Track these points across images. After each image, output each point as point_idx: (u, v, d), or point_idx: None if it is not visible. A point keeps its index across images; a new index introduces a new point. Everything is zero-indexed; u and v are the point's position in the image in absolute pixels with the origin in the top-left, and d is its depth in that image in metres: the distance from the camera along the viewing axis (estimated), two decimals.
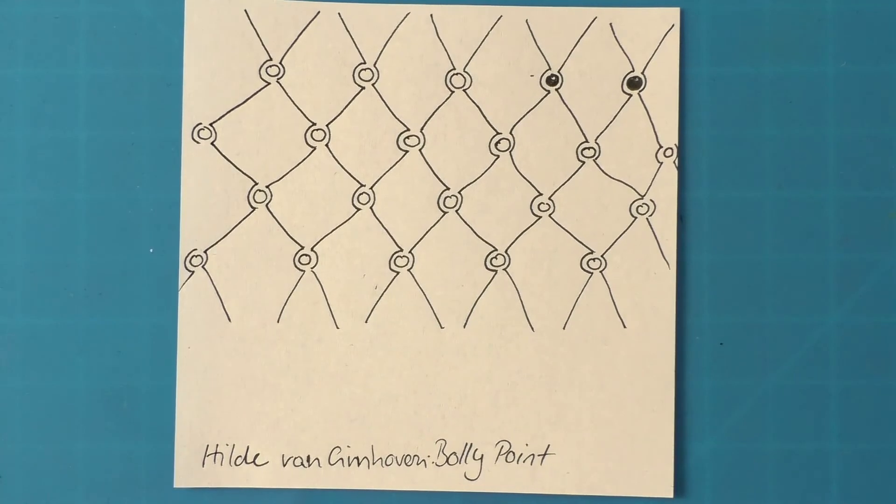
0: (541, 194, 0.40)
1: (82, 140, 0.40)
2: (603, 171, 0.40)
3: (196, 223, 0.40)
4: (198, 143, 0.40)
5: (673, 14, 0.40)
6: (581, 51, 0.40)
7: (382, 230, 0.40)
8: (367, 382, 0.40)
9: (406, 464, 0.40)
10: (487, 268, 0.40)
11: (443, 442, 0.40)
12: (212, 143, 0.40)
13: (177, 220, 0.40)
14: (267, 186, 0.40)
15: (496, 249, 0.40)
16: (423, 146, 0.40)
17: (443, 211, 0.40)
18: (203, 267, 0.40)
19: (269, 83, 0.40)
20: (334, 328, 0.40)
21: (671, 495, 0.39)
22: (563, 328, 0.40)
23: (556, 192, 0.40)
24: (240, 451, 0.39)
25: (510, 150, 0.40)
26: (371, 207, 0.40)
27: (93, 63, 0.40)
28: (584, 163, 0.40)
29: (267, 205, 0.40)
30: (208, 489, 0.40)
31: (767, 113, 0.40)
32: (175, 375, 0.39)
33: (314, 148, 0.40)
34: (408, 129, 0.40)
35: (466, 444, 0.40)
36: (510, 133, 0.40)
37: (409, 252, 0.40)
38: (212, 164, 0.40)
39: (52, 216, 0.40)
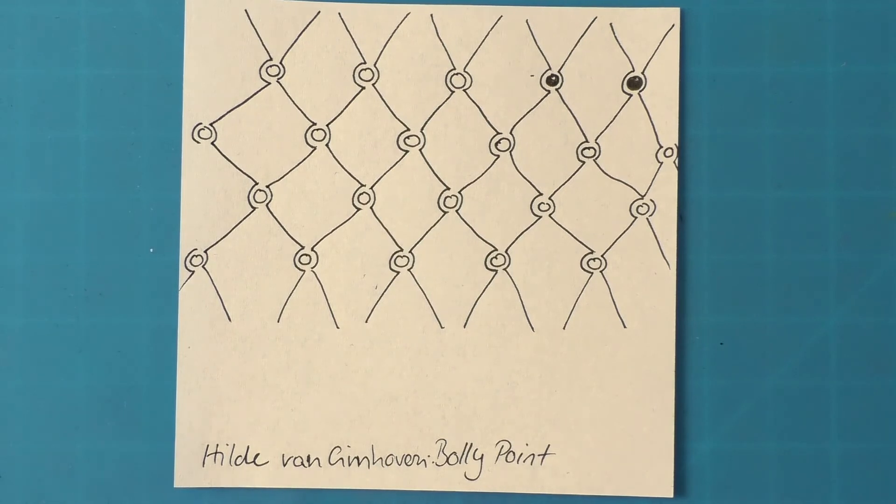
0: (541, 194, 0.40)
1: (82, 140, 0.40)
2: (603, 171, 0.40)
3: (196, 223, 0.40)
4: (198, 142, 0.40)
5: (673, 14, 0.40)
6: (581, 51, 0.40)
7: (382, 230, 0.40)
8: (367, 382, 0.40)
9: (406, 464, 0.40)
10: (487, 268, 0.40)
11: (443, 442, 0.40)
12: (212, 143, 0.40)
13: (177, 220, 0.40)
14: (267, 186, 0.40)
15: (496, 249, 0.40)
16: (423, 146, 0.40)
17: (443, 211, 0.40)
18: (203, 267, 0.40)
19: (269, 83, 0.40)
20: (334, 328, 0.40)
21: (671, 495, 0.39)
22: (563, 328, 0.40)
23: (556, 192, 0.40)
24: (240, 450, 0.39)
25: (510, 150, 0.40)
26: (371, 207, 0.40)
27: (93, 63, 0.40)
28: (584, 163, 0.40)
29: (267, 205, 0.40)
30: (208, 489, 0.40)
31: (767, 113, 0.40)
32: (175, 375, 0.39)
33: (314, 148, 0.40)
34: (408, 129, 0.40)
35: (466, 443, 0.40)
36: (510, 133, 0.40)
37: (410, 252, 0.40)
38: (212, 163, 0.40)
39: (52, 216, 0.40)
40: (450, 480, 0.40)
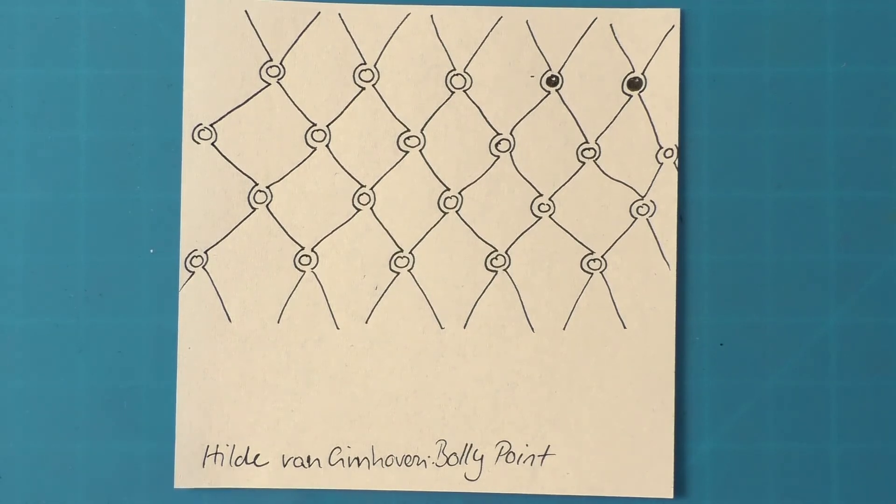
0: (541, 195, 0.40)
1: (82, 140, 0.40)
2: (603, 171, 0.40)
3: (196, 223, 0.40)
4: (198, 143, 0.40)
5: (673, 14, 0.40)
6: (581, 51, 0.40)
7: (383, 231, 0.40)
8: (367, 383, 0.40)
9: (406, 464, 0.40)
10: (487, 268, 0.40)
11: (443, 442, 0.40)
12: (212, 144, 0.40)
13: (177, 221, 0.40)
14: (267, 187, 0.40)
15: (496, 250, 0.40)
16: (423, 147, 0.40)
17: (443, 211, 0.40)
18: (203, 267, 0.40)
19: (269, 84, 0.40)
20: (334, 329, 0.40)
21: (671, 495, 0.39)
22: (563, 328, 0.40)
23: (556, 192, 0.40)
24: (240, 451, 0.39)
25: (510, 150, 0.40)
26: (371, 208, 0.40)
27: (93, 63, 0.40)
28: (584, 163, 0.40)
29: (267, 205, 0.40)
30: (208, 489, 0.40)
31: (767, 113, 0.40)
32: (175, 376, 0.39)
33: (314, 148, 0.40)
34: (408, 130, 0.40)
35: (466, 444, 0.40)
36: (510, 134, 0.40)
37: (410, 252, 0.40)
38: (212, 164, 0.40)
39: (52, 216, 0.40)
40: (450, 481, 0.40)
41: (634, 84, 0.40)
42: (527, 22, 0.40)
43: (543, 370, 0.40)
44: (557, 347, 0.40)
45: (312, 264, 0.40)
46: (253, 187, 0.40)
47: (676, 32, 0.40)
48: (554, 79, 0.40)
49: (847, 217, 0.40)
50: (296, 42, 0.40)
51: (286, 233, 0.40)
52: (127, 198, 0.40)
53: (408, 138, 0.40)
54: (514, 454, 0.40)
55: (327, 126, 0.40)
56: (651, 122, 0.40)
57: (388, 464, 0.40)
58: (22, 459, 0.40)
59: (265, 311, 0.40)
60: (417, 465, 0.40)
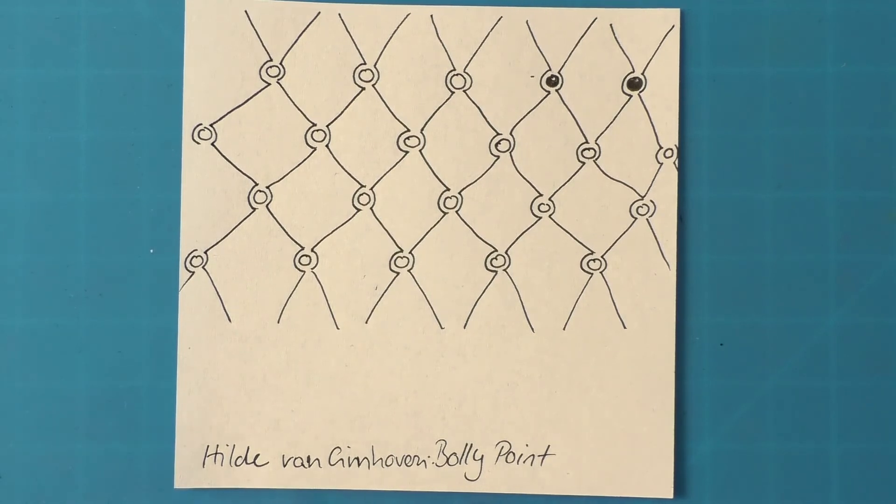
0: (541, 195, 0.40)
1: (82, 140, 0.40)
2: (603, 171, 0.40)
3: (196, 223, 0.40)
4: (198, 143, 0.40)
5: (673, 15, 0.40)
6: (581, 51, 0.40)
7: (383, 231, 0.40)
8: (367, 383, 0.40)
9: (406, 464, 0.40)
10: (487, 268, 0.40)
11: (443, 442, 0.40)
12: (212, 144, 0.40)
13: (177, 221, 0.40)
14: (267, 187, 0.40)
15: (496, 250, 0.40)
16: (423, 147, 0.40)
17: (443, 211, 0.40)
18: (203, 267, 0.40)
19: (269, 84, 0.40)
20: (334, 329, 0.40)
21: (671, 495, 0.39)
22: (563, 328, 0.40)
23: (556, 192, 0.40)
24: (240, 451, 0.39)
25: (510, 150, 0.40)
26: (371, 208, 0.40)
27: (93, 63, 0.40)
28: (584, 163, 0.40)
29: (267, 205, 0.40)
30: (208, 490, 0.40)
31: (767, 113, 0.40)
32: (175, 376, 0.39)
33: (314, 148, 0.40)
34: (408, 130, 0.40)
35: (466, 444, 0.40)
36: (510, 134, 0.40)
37: (410, 252, 0.40)
38: (212, 164, 0.40)
39: (52, 216, 0.40)
40: (450, 481, 0.40)
41: (634, 84, 0.40)
42: (527, 22, 0.40)
43: (543, 370, 0.40)
44: (557, 347, 0.40)
45: (312, 264, 0.40)
46: (253, 187, 0.40)
47: (676, 32, 0.40)
48: (554, 79, 0.40)
49: (847, 217, 0.40)
50: (296, 42, 0.40)
51: (286, 233, 0.40)
52: (127, 198, 0.40)
53: (408, 138, 0.40)
54: (514, 454, 0.40)
55: (327, 126, 0.40)
56: (651, 122, 0.40)
57: (388, 464, 0.40)
58: (22, 459, 0.40)
59: (265, 311, 0.40)
60: (417, 465, 0.40)
